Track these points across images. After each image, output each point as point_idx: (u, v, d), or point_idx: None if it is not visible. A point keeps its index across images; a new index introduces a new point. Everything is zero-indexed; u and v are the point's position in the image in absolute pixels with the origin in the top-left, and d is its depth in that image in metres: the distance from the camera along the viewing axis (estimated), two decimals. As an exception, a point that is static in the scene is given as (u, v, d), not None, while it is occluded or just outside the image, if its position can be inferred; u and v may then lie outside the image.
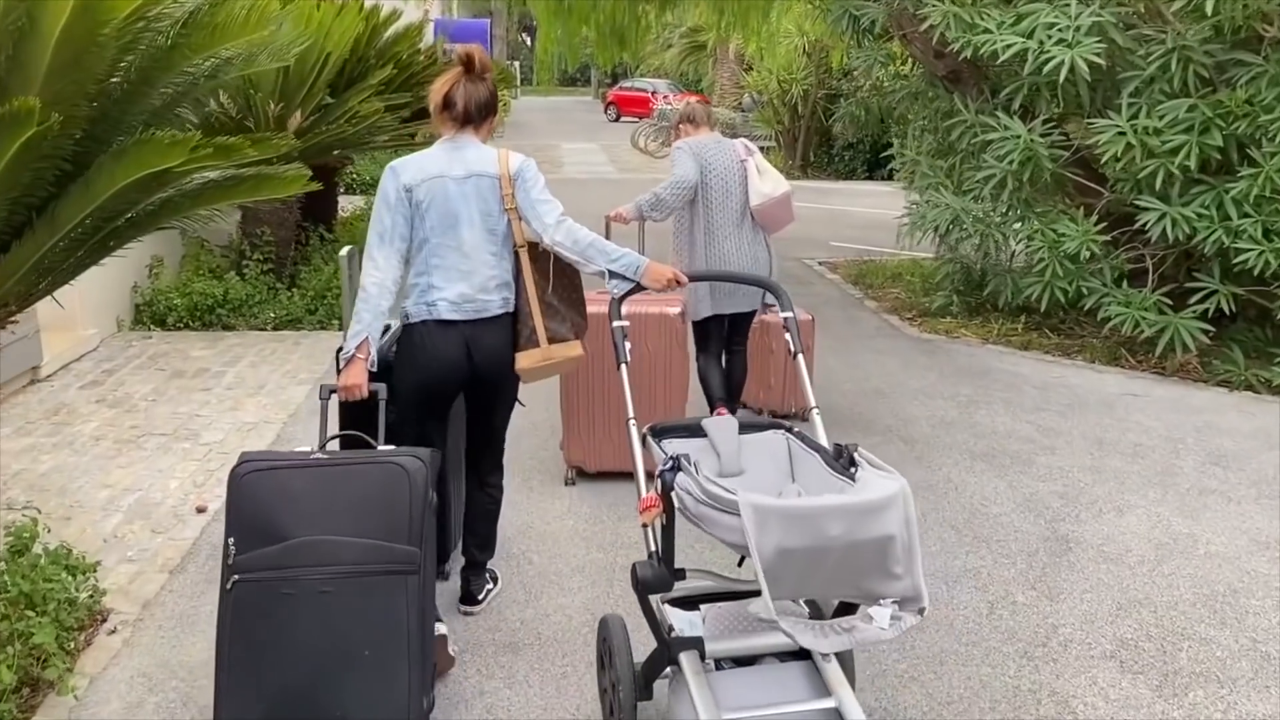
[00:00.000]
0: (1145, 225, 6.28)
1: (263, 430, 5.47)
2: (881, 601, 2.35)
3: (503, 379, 3.33)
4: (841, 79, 19.54)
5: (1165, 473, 5.02)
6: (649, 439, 2.84)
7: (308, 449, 2.87)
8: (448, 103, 3.19)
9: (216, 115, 7.41)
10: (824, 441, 2.78)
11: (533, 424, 5.43)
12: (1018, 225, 6.71)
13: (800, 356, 3.05)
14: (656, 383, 4.64)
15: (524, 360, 3.26)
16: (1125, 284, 6.70)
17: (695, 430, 2.92)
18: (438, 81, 3.23)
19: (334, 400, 3.16)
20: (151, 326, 7.51)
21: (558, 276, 3.29)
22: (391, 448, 2.91)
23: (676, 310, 4.63)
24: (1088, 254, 6.53)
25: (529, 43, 57.57)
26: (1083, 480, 4.91)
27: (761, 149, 5.47)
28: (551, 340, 3.25)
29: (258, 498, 2.67)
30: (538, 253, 3.26)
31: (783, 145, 20.50)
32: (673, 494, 2.48)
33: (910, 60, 7.98)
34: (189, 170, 3.37)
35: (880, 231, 12.87)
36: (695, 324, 4.98)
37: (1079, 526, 4.41)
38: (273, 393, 6.09)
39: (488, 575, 3.70)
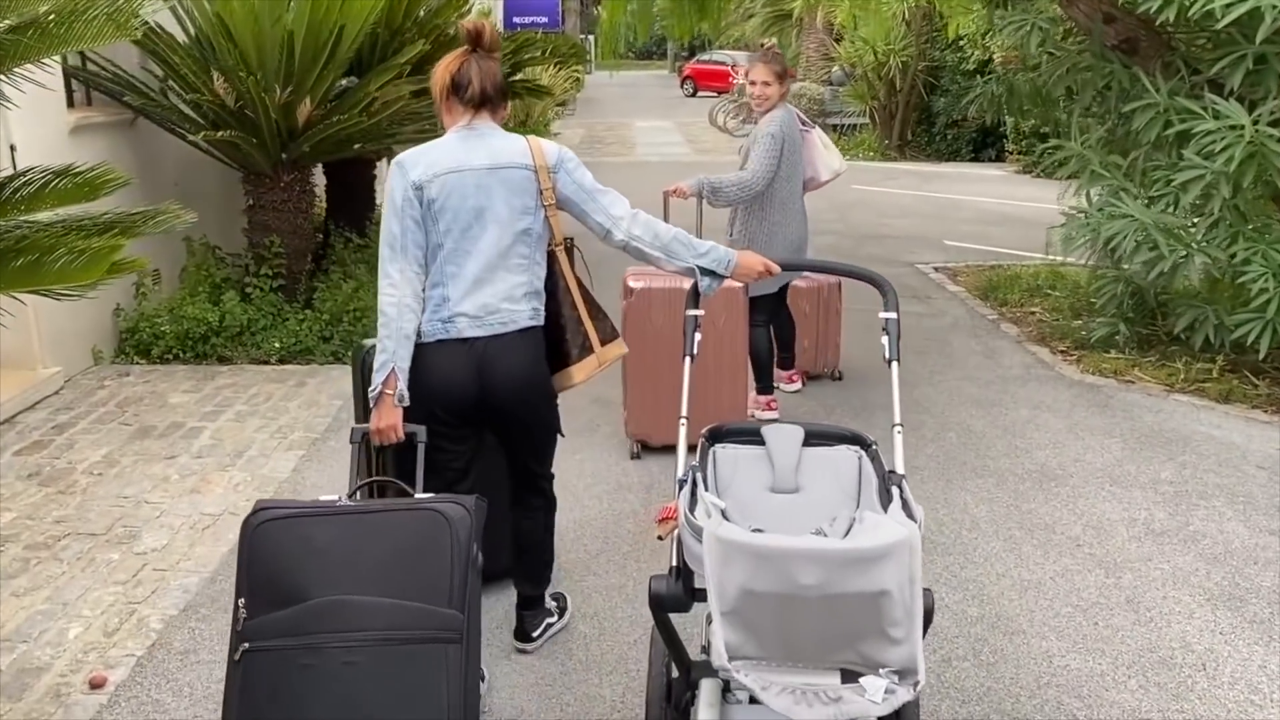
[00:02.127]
0: None
1: (222, 529, 4.10)
2: (880, 670, 2.03)
3: (526, 407, 2.87)
4: (946, 49, 17.68)
5: None
6: (701, 442, 2.63)
7: (334, 497, 2.48)
8: (457, 84, 2.77)
9: (208, 104, 6.07)
10: (898, 464, 2.47)
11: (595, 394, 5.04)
12: (1233, 247, 5.00)
13: (895, 364, 2.66)
14: (724, 360, 4.63)
15: (580, 373, 2.95)
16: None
17: (756, 436, 2.68)
18: (439, 63, 2.80)
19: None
20: (135, 359, 6.22)
21: (583, 272, 3.00)
22: (430, 495, 2.53)
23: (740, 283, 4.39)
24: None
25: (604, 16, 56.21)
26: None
27: (853, 127, 5.18)
28: (603, 343, 2.97)
29: (274, 551, 2.31)
30: (571, 252, 2.98)
31: (878, 123, 18.67)
32: None
33: (1070, 27, 6.27)
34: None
35: (1002, 228, 11.14)
36: (758, 297, 4.90)
37: None
38: (252, 464, 4.72)
39: (550, 605, 3.33)
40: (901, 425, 2.58)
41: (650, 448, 4.79)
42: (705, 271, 2.80)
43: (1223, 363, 5.87)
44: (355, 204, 8.62)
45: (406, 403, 2.71)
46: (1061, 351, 6.53)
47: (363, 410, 3.41)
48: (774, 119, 4.88)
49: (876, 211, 12.22)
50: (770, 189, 4.87)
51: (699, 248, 2.81)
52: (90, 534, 4.05)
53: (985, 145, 17.91)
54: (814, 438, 2.66)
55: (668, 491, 4.42)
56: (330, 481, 4.55)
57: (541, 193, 2.77)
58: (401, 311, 2.69)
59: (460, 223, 2.71)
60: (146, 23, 2.70)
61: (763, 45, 5.81)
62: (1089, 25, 6.04)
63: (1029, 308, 7.58)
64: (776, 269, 2.89)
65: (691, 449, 2.55)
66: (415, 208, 2.70)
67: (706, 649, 2.39)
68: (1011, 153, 16.40)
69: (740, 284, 3.85)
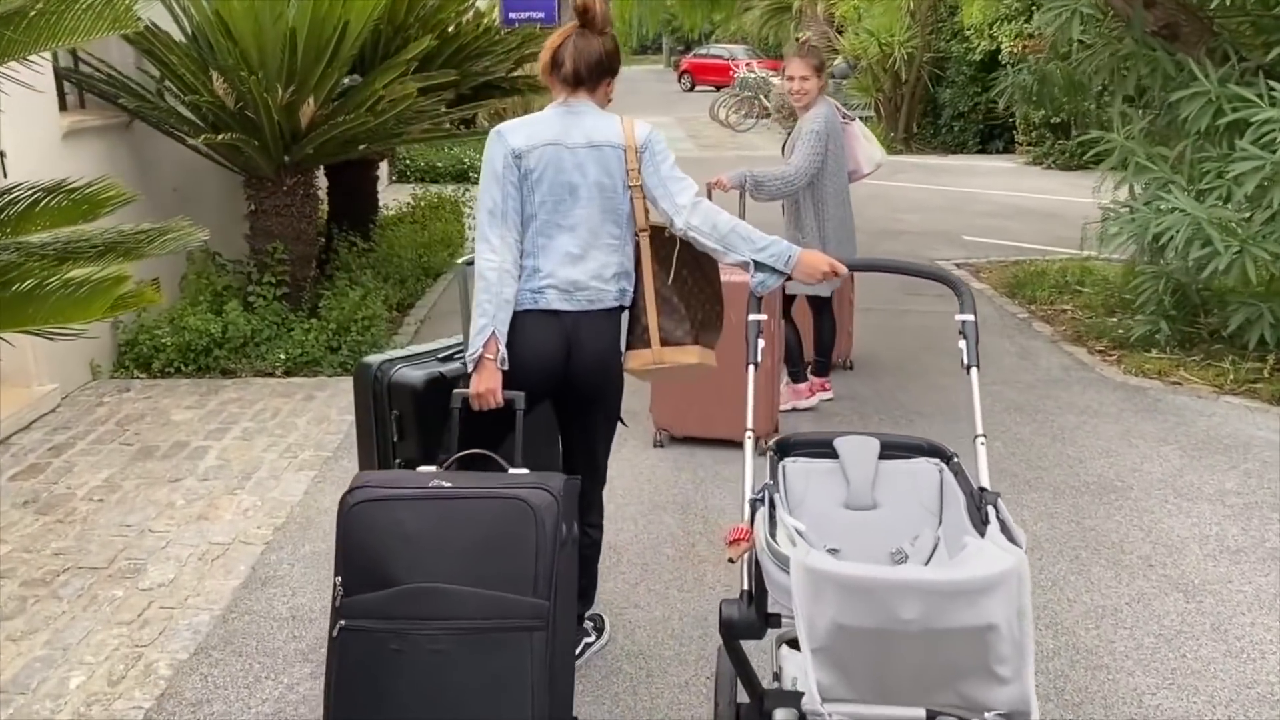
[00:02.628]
0: None
1: (233, 559, 3.84)
2: (985, 714, 1.84)
3: (603, 387, 2.87)
4: (951, 39, 17.42)
5: None
6: (769, 456, 2.52)
7: (431, 468, 2.55)
8: (555, 62, 2.78)
9: (208, 105, 5.79)
10: (984, 479, 2.34)
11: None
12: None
13: (975, 370, 2.53)
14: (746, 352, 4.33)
15: (634, 360, 2.87)
16: None
17: (828, 449, 2.55)
18: (552, 36, 2.82)
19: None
20: (135, 373, 5.95)
21: (680, 268, 2.85)
22: (523, 472, 2.53)
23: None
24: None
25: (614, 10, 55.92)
26: None
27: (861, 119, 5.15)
28: (664, 342, 2.82)
29: (368, 533, 2.37)
30: (663, 239, 2.83)
31: (883, 115, 18.39)
32: None
33: (1107, 13, 5.99)
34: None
35: (1020, 222, 10.88)
36: (810, 297, 4.94)
37: None
38: (261, 487, 4.46)
39: (588, 626, 3.18)
40: (984, 436, 2.44)
41: (674, 438, 4.82)
42: (761, 267, 2.72)
43: (1274, 362, 5.61)
44: (359, 206, 8.36)
45: (507, 366, 2.70)
46: (1100, 351, 6.27)
47: (366, 431, 3.18)
48: (818, 115, 4.84)
49: (889, 206, 11.95)
50: (821, 185, 4.85)
51: (758, 242, 2.74)
52: (91, 568, 3.78)
53: (992, 137, 17.65)
54: (890, 449, 2.53)
55: (705, 511, 4.17)
56: (345, 505, 4.29)
57: (629, 173, 2.75)
58: (502, 276, 2.70)
59: (554, 195, 2.73)
60: (144, 15, 2.43)
61: (798, 40, 5.74)
62: (1127, 11, 5.78)
63: (1059, 305, 7.32)
64: (843, 269, 2.78)
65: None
66: (515, 174, 2.72)
67: (778, 676, 2.33)
68: (1021, 144, 16.14)
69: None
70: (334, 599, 2.37)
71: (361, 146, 6.61)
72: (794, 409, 5.15)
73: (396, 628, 2.31)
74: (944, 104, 17.92)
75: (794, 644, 2.27)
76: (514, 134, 2.74)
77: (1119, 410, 5.26)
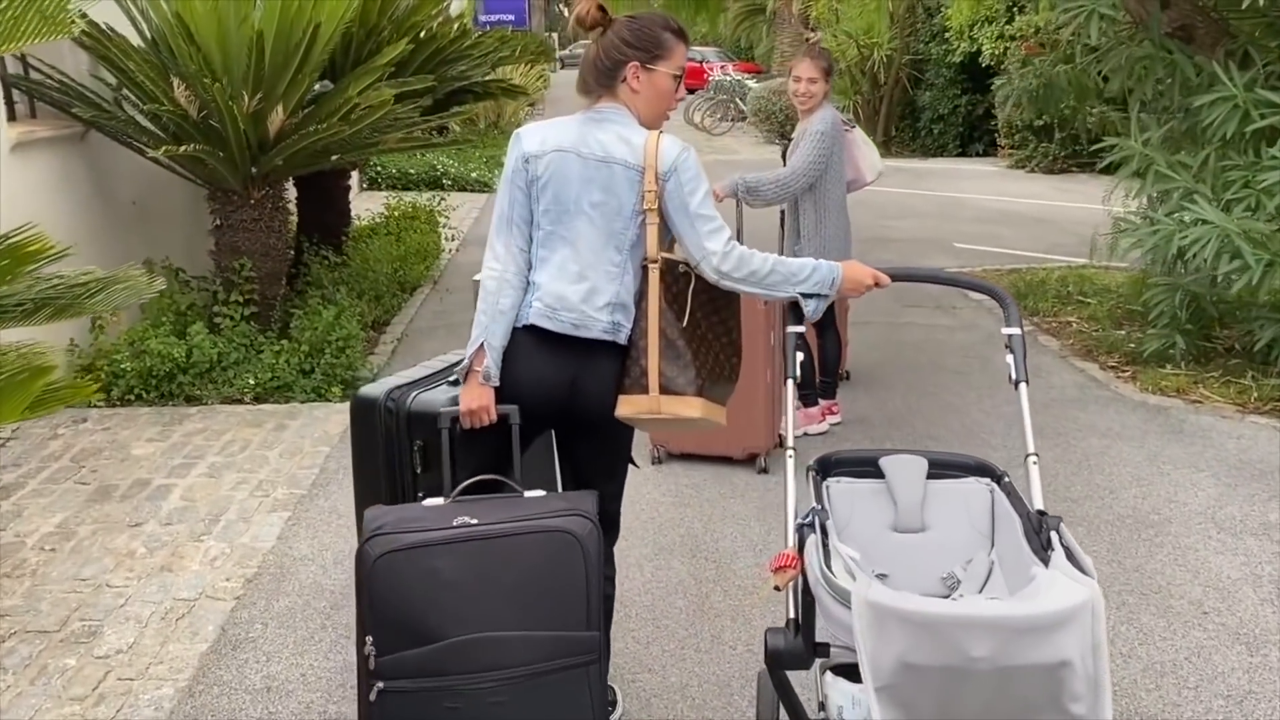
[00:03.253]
0: None
1: (200, 618, 3.47)
2: None
3: (610, 427, 2.60)
4: (930, 41, 17.23)
5: None
6: (810, 475, 2.42)
7: (439, 500, 2.38)
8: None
9: (169, 115, 5.41)
10: (1037, 500, 2.20)
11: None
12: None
13: (1024, 385, 2.38)
14: (757, 378, 4.34)
15: (626, 406, 2.53)
16: None
17: (872, 468, 2.43)
18: None
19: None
20: (93, 401, 5.54)
21: (695, 310, 2.55)
22: (540, 494, 2.41)
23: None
24: None
25: (566, 14, 55.89)
26: None
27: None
28: (664, 390, 2.48)
29: (400, 586, 2.19)
30: (676, 274, 2.54)
31: (862, 119, 18.15)
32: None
33: (1121, 14, 5.73)
34: None
35: (1010, 227, 10.66)
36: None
37: None
38: (230, 531, 4.09)
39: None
40: (1037, 455, 2.32)
41: (671, 454, 4.69)
42: (809, 295, 2.54)
43: (1293, 375, 5.37)
44: (330, 218, 7.97)
45: (494, 382, 2.53)
46: (1112, 367, 6.01)
47: (371, 469, 2.89)
48: (823, 118, 4.61)
49: (876, 212, 11.67)
50: (824, 192, 4.65)
51: (798, 274, 2.53)
52: (41, 631, 3.40)
53: (972, 139, 17.46)
54: (938, 468, 2.44)
55: (715, 554, 3.85)
56: (322, 550, 3.94)
57: (643, 196, 2.48)
58: (501, 286, 2.54)
59: (559, 207, 2.54)
60: (87, 15, 2.09)
61: (808, 41, 5.46)
62: (1141, 13, 5.52)
63: (1063, 317, 7.07)
64: (886, 280, 2.60)
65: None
66: (523, 178, 2.56)
67: (824, 705, 2.26)
68: (1004, 147, 15.95)
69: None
70: (363, 660, 2.22)
71: (334, 156, 6.25)
72: (805, 434, 4.85)
73: (450, 684, 2.20)
74: (923, 107, 17.72)
75: (839, 671, 2.25)
76: (530, 137, 2.57)
77: (1143, 432, 4.99)
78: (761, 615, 3.39)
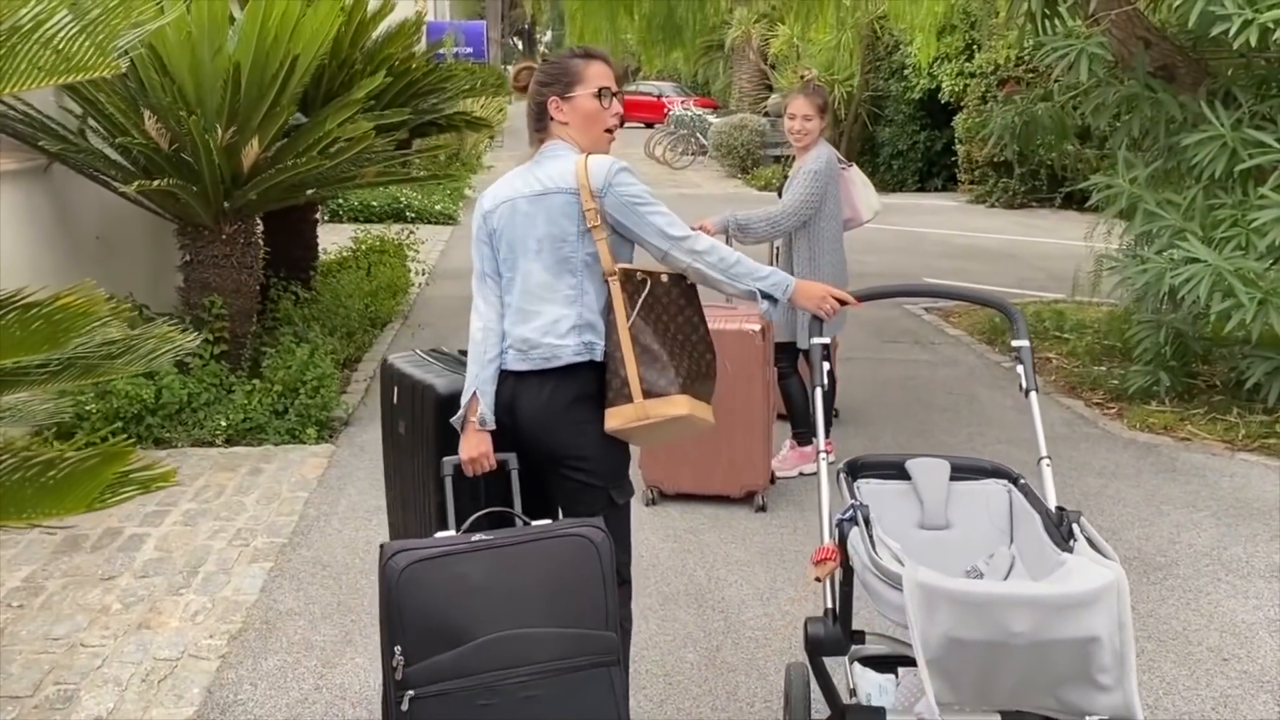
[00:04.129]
0: None
1: (183, 679, 3.28)
2: (1085, 719, 1.98)
3: (568, 458, 2.57)
4: (890, 78, 17.44)
5: None
6: (841, 477, 2.57)
7: (451, 532, 2.46)
8: None
9: (139, 148, 5.23)
10: (1051, 500, 2.44)
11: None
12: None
13: (1035, 394, 2.58)
14: (737, 405, 4.26)
15: (614, 419, 2.54)
16: None
17: (898, 470, 2.63)
18: None
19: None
20: (56, 444, 5.29)
21: (661, 312, 2.58)
22: (546, 523, 2.48)
23: (756, 327, 4.34)
24: None
25: (520, 47, 56.19)
26: None
27: (794, 159, 4.79)
28: (648, 394, 2.50)
29: (429, 594, 2.25)
30: (635, 282, 2.58)
31: (821, 153, 18.31)
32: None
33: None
34: None
35: (976, 262, 10.74)
36: (794, 349, 4.69)
37: None
38: (211, 584, 3.90)
39: None
40: (1050, 458, 2.51)
41: (665, 494, 4.60)
42: (765, 295, 2.61)
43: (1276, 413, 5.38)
44: (297, 252, 7.77)
45: (491, 426, 2.59)
46: (1098, 404, 6.01)
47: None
48: (818, 156, 4.59)
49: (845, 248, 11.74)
50: (818, 230, 4.62)
51: (759, 271, 2.62)
52: (13, 697, 3.19)
53: (931, 175, 17.66)
54: (959, 471, 2.61)
55: (722, 604, 3.73)
56: (309, 604, 3.76)
57: (584, 214, 2.54)
58: (486, 335, 2.64)
59: (513, 252, 2.63)
60: (127, 53, 1.96)
61: (802, 77, 5.40)
62: (1123, 52, 5.56)
63: (1042, 353, 7.08)
64: (849, 299, 2.66)
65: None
66: (485, 233, 2.68)
67: (854, 692, 2.41)
68: (964, 182, 16.14)
69: (755, 328, 4.21)
70: (390, 671, 2.25)
71: (310, 191, 6.09)
72: (800, 474, 4.76)
73: (484, 682, 2.25)
74: (883, 142, 17.92)
75: (867, 662, 2.47)
76: (487, 197, 2.71)
77: (1136, 471, 4.97)
78: (776, 669, 3.28)
